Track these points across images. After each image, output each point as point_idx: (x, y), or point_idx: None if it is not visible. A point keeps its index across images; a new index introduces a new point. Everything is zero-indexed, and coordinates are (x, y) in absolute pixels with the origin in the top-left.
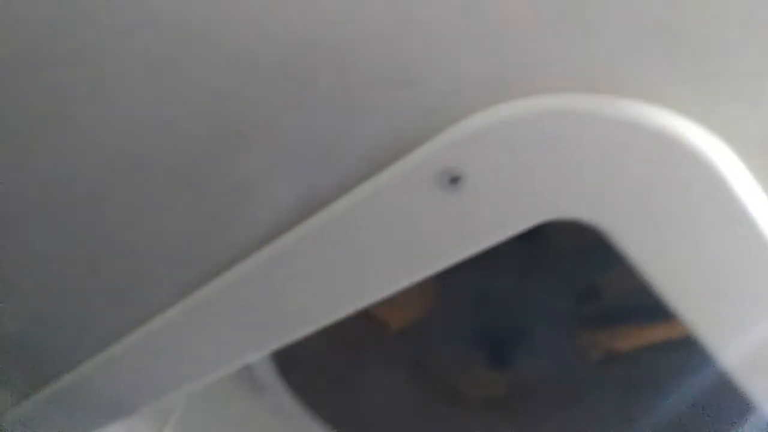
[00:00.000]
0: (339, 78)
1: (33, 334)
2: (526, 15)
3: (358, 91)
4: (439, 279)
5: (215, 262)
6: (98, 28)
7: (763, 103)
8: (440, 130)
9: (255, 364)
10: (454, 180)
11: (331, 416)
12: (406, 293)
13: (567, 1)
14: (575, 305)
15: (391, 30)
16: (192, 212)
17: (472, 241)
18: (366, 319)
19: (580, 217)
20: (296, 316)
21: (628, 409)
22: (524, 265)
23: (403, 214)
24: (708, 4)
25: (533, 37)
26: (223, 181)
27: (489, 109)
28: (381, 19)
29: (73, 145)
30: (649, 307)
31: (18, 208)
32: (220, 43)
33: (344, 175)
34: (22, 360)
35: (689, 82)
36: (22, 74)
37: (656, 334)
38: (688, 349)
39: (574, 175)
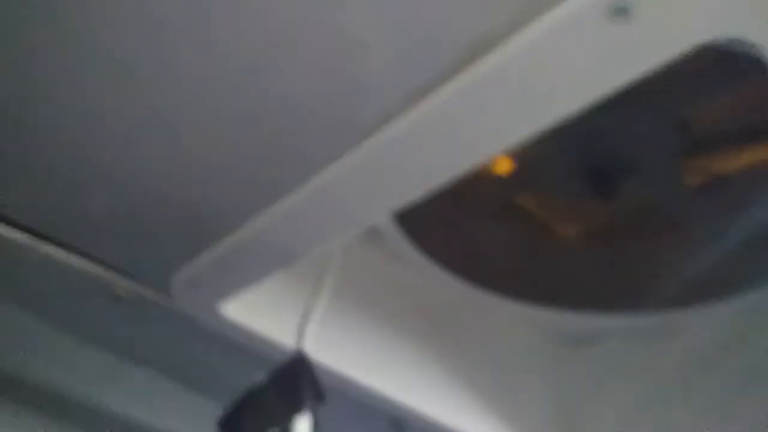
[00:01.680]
0: None
1: (196, 195)
2: None
3: None
4: None
5: (373, 114)
6: None
7: None
8: None
9: None
10: (621, 11)
11: (445, 258)
12: None
13: None
14: (677, 132)
15: None
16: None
17: (636, 68)
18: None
19: (745, 35)
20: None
21: (730, 233)
22: (619, 99)
23: (571, 50)
24: None
25: None
26: None
27: None
28: None
29: None
30: (748, 129)
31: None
32: None
33: (509, 13)
34: (187, 222)
35: None
36: None
37: (757, 155)
38: None
39: None
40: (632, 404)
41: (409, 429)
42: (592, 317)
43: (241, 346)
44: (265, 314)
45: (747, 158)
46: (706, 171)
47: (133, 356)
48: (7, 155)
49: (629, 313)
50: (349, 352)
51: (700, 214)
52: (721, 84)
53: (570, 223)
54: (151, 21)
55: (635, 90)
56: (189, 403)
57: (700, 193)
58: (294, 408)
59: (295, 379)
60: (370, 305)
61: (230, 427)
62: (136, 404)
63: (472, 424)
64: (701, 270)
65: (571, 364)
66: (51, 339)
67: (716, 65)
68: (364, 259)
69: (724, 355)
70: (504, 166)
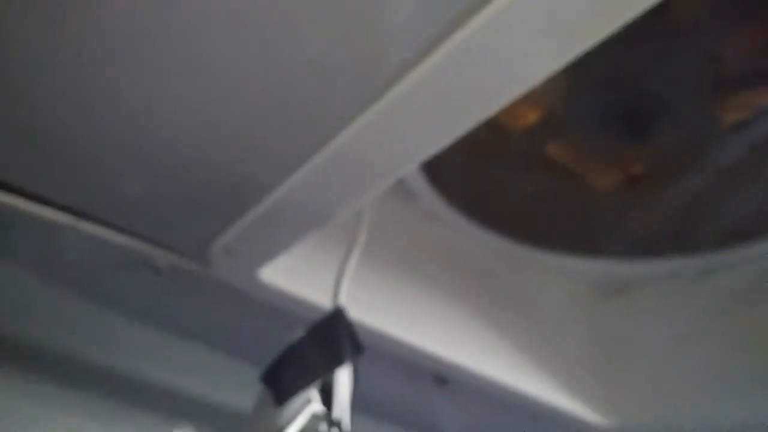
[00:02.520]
0: None
1: (227, 165)
2: None
3: None
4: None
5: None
6: None
7: None
8: None
9: (407, 175)
10: None
11: (478, 213)
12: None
13: None
14: (709, 68)
15: None
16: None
17: None
18: (494, 124)
19: None
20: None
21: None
22: (649, 36)
23: None
24: None
25: None
26: None
27: None
28: None
29: None
30: None
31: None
32: None
33: None
34: (221, 192)
35: None
36: None
37: None
38: None
39: None
40: (669, 347)
41: (453, 383)
42: (629, 264)
43: (281, 311)
44: (301, 277)
45: None
46: (741, 107)
47: (176, 328)
48: (45, 140)
49: (666, 257)
50: (388, 310)
51: (737, 152)
52: (751, 16)
53: (603, 170)
54: None
55: (664, 26)
56: (233, 372)
57: (736, 131)
58: (334, 361)
59: (334, 333)
60: (406, 264)
61: (273, 381)
62: (181, 376)
63: (513, 376)
64: (738, 210)
65: (609, 311)
66: (94, 315)
67: None
68: (398, 220)
69: (759, 296)
70: (531, 117)
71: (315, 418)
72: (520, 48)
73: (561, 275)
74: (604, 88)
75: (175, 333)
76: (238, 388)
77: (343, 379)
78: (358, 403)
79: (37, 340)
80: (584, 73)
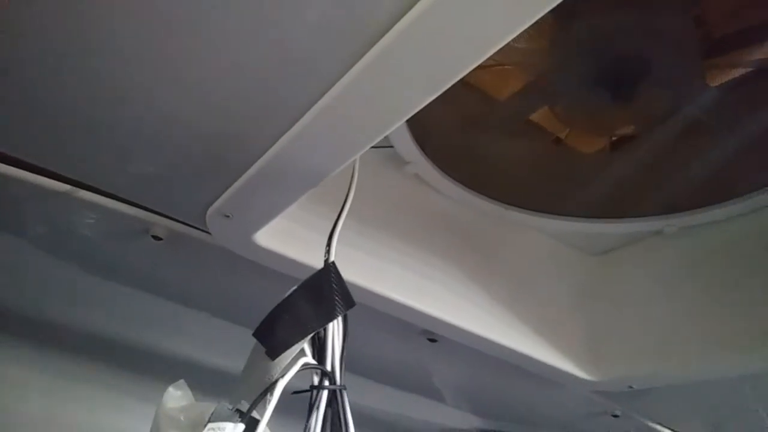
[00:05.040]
0: None
1: (219, 130)
2: None
3: None
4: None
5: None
6: None
7: None
8: None
9: (398, 142)
10: None
11: (469, 178)
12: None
13: None
14: (693, 29)
15: None
16: None
17: None
18: (482, 90)
19: None
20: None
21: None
22: None
23: None
24: None
25: None
26: None
27: None
28: None
29: None
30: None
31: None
32: None
33: None
34: (215, 157)
35: None
36: None
37: None
38: None
39: None
40: (652, 303)
41: (442, 340)
42: (612, 224)
43: (276, 274)
44: (295, 240)
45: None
46: (726, 68)
47: (175, 295)
48: (48, 114)
49: (648, 217)
50: (379, 270)
51: (721, 112)
52: None
53: (589, 133)
54: None
55: None
56: (232, 336)
57: (722, 92)
58: (326, 314)
59: (325, 288)
60: (397, 227)
61: (266, 336)
62: (182, 341)
63: (501, 333)
64: (716, 170)
65: (594, 270)
66: (95, 285)
67: None
68: (389, 185)
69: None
70: (518, 83)
71: (307, 369)
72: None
73: (547, 235)
74: (588, 51)
75: (174, 300)
76: (237, 352)
77: (335, 332)
78: (354, 365)
79: (40, 310)
80: (569, 37)
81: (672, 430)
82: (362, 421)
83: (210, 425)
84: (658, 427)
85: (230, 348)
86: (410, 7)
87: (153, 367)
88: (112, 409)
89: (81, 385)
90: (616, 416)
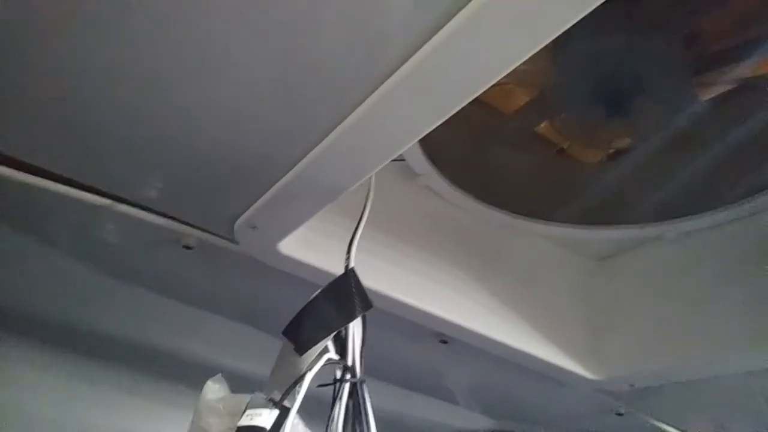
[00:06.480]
0: None
1: (249, 147)
2: None
3: None
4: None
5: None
6: None
7: None
8: None
9: (410, 156)
10: None
11: (476, 189)
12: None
13: None
14: (685, 47)
15: None
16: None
17: None
18: (489, 106)
19: None
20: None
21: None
22: (628, 20)
23: None
24: None
25: None
26: None
27: None
28: None
29: None
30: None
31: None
32: None
33: None
34: (244, 172)
35: None
36: None
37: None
38: None
39: None
40: (652, 306)
41: (454, 343)
42: (615, 230)
43: (299, 281)
44: (316, 248)
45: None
46: (718, 83)
47: (203, 302)
48: (85, 131)
49: (648, 223)
50: (395, 277)
51: (714, 125)
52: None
53: (590, 145)
54: None
55: (639, 11)
56: (258, 342)
57: (712, 105)
58: (347, 315)
59: (346, 291)
60: (411, 236)
61: (293, 334)
62: (209, 347)
63: (510, 335)
64: (711, 179)
65: (598, 274)
66: (127, 293)
67: None
68: (402, 197)
69: (732, 257)
70: (523, 99)
71: (331, 364)
72: (498, 36)
73: (552, 242)
74: (588, 70)
75: (197, 305)
76: (256, 357)
77: (355, 330)
78: (370, 369)
79: (73, 319)
80: (569, 56)
81: (677, 428)
82: (379, 423)
83: (248, 411)
84: (663, 425)
85: (251, 352)
86: (426, 41)
87: (172, 371)
88: (130, 412)
89: (101, 389)
90: (620, 414)
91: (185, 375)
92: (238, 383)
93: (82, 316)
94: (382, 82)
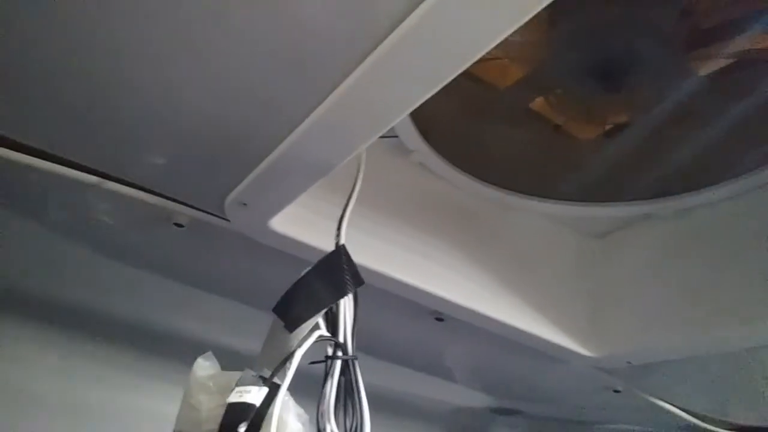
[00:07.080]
0: None
1: (238, 124)
2: None
3: None
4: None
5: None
6: None
7: None
8: None
9: (403, 132)
10: None
11: (467, 165)
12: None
13: None
14: (680, 23)
15: None
16: None
17: None
18: (482, 82)
19: None
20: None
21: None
22: None
23: None
24: None
25: None
26: None
27: None
28: None
29: None
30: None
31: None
32: None
33: None
34: (233, 149)
35: None
36: None
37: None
38: None
39: None
40: (648, 283)
41: (450, 321)
42: (610, 208)
43: (290, 258)
44: (307, 225)
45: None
46: (713, 58)
47: (193, 279)
48: (75, 109)
49: (643, 201)
50: (388, 253)
51: (710, 101)
52: None
53: (584, 121)
54: None
55: None
56: (249, 319)
57: (709, 80)
58: (338, 291)
59: (337, 267)
60: (404, 213)
61: (284, 311)
62: (201, 323)
63: (506, 312)
64: (706, 156)
65: (593, 252)
66: (118, 271)
67: None
68: (395, 174)
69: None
70: (516, 74)
71: (322, 341)
72: (488, 3)
73: (548, 220)
74: (582, 44)
75: (190, 283)
76: (249, 333)
77: (347, 307)
78: (364, 345)
79: (65, 296)
80: (564, 30)
81: (675, 405)
82: (376, 400)
83: (237, 389)
84: (660, 402)
85: (243, 329)
86: (414, 8)
87: (168, 348)
88: (129, 389)
89: (98, 366)
90: (617, 391)
91: (180, 351)
92: (231, 360)
93: (75, 295)
94: (370, 52)
